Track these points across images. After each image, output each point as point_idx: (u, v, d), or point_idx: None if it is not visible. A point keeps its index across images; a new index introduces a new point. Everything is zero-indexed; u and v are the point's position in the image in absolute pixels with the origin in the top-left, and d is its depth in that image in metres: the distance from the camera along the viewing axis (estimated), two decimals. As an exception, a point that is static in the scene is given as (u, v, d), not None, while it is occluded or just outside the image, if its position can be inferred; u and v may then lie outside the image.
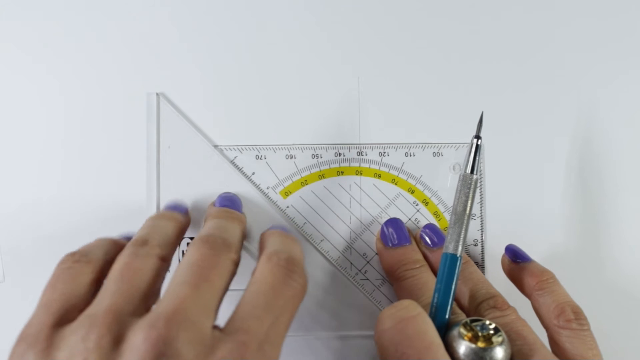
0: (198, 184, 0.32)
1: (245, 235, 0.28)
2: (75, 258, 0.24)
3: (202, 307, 0.20)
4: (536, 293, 0.28)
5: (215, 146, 0.33)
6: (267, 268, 0.23)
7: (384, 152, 0.33)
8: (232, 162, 0.33)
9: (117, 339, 0.19)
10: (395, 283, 0.30)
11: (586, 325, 0.25)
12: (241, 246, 0.26)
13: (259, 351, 0.20)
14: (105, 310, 0.20)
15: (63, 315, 0.21)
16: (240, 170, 0.33)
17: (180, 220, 0.28)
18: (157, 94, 0.33)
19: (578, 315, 0.26)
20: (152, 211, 0.32)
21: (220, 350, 0.19)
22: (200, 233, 0.25)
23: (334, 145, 0.33)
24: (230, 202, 0.30)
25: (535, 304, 0.28)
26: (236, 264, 0.24)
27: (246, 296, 0.22)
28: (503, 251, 0.31)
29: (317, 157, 0.33)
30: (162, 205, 0.32)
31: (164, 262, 0.24)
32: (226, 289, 0.23)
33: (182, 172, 0.32)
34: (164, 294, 0.21)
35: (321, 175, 0.33)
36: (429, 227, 0.32)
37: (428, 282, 0.28)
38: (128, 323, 0.20)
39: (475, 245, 0.33)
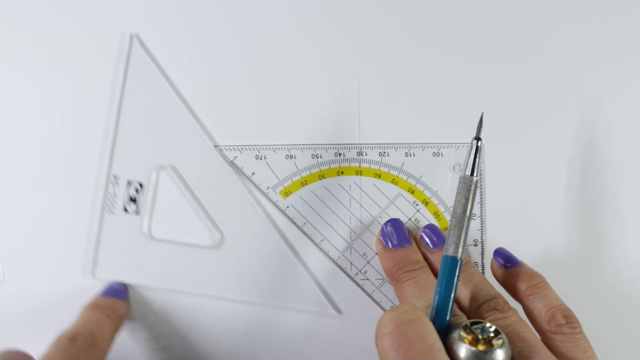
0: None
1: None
2: None
3: None
4: (527, 299, 0.28)
5: (216, 146, 0.33)
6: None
7: (384, 152, 0.33)
8: (232, 162, 0.33)
9: None
10: (396, 284, 0.30)
11: (578, 328, 0.25)
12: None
13: None
14: None
15: None
16: (240, 170, 0.33)
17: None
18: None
19: (569, 319, 0.26)
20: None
21: None
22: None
23: (334, 145, 0.33)
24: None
25: (526, 310, 0.28)
26: None
27: None
28: (502, 252, 0.31)
29: (317, 157, 0.33)
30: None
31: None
32: None
33: (144, 121, 0.33)
34: None
35: (321, 175, 0.33)
36: (429, 227, 0.32)
37: (428, 283, 0.28)
38: None
39: (475, 245, 0.33)
